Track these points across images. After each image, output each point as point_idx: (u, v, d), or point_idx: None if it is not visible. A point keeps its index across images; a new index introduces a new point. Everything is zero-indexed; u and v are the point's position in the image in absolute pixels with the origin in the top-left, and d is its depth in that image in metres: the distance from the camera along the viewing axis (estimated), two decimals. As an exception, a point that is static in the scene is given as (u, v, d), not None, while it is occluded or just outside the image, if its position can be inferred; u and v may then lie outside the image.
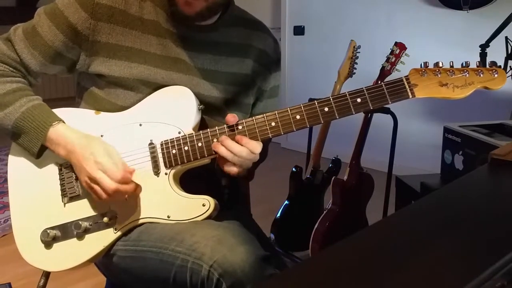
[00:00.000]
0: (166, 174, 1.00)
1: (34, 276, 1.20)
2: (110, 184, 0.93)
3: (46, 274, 1.19)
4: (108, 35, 1.02)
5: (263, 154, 1.02)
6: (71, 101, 1.13)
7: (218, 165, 1.02)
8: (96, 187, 0.95)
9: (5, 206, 2.81)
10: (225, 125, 0.98)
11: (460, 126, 1.88)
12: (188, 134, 1.00)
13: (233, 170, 0.97)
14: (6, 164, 1.08)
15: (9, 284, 1.93)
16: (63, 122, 1.01)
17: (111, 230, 1.00)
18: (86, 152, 0.96)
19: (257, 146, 0.96)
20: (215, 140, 0.97)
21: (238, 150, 0.94)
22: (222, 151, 0.95)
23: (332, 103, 0.95)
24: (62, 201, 1.03)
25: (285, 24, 4.09)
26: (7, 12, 4.90)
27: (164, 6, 1.04)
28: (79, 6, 1.00)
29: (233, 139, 0.96)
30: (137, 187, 0.99)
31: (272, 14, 4.30)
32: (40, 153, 1.02)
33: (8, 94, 1.00)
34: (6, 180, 1.07)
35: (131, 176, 0.97)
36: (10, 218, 1.07)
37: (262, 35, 1.17)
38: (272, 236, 2.08)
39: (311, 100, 1.00)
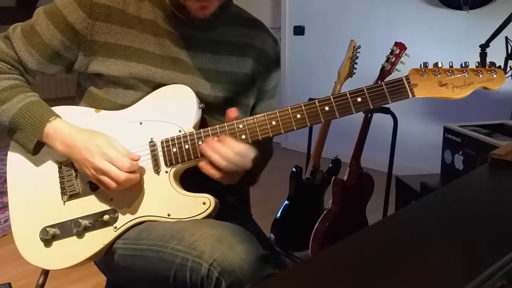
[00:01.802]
0: (166, 172, 1.00)
1: (34, 276, 1.20)
2: (120, 174, 0.93)
3: (45, 272, 1.19)
4: (106, 35, 1.02)
5: (268, 154, 1.01)
6: (71, 101, 1.13)
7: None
8: (104, 178, 0.94)
9: (5, 206, 2.81)
10: (225, 124, 0.98)
11: (460, 126, 1.88)
12: (188, 133, 1.00)
13: (214, 173, 0.96)
14: (6, 164, 1.08)
15: (9, 284, 1.93)
16: (60, 117, 1.01)
17: (111, 228, 1.00)
18: (90, 144, 0.96)
19: (239, 146, 0.95)
20: (215, 138, 0.97)
21: (223, 151, 0.94)
22: (208, 153, 0.94)
23: (333, 102, 0.95)
24: (62, 199, 1.03)
25: (285, 24, 4.09)
26: (7, 12, 4.89)
27: (162, 6, 1.04)
28: (77, 6, 1.00)
29: (234, 137, 0.96)
30: (140, 181, 0.99)
31: (272, 14, 4.30)
32: (36, 149, 1.02)
33: (5, 90, 1.01)
34: (6, 180, 1.07)
35: (137, 163, 0.98)
36: (10, 217, 1.07)
37: (262, 34, 1.17)
38: (272, 236, 2.08)
39: (311, 100, 1.00)
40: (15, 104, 1.00)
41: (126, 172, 0.94)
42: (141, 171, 0.99)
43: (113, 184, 0.94)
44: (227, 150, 0.94)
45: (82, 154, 0.96)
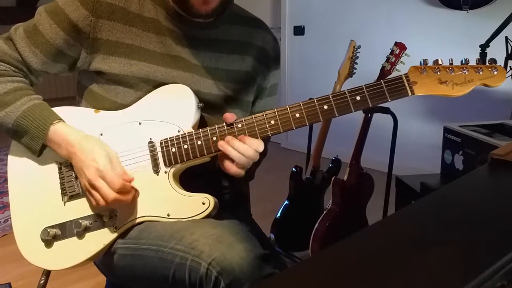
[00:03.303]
0: (166, 172, 1.00)
1: (34, 276, 1.20)
2: (110, 193, 0.94)
3: (47, 273, 1.19)
4: (108, 32, 1.02)
5: (263, 152, 1.02)
6: (72, 101, 1.13)
7: (220, 166, 1.02)
8: (95, 193, 0.95)
9: (5, 206, 2.81)
10: (224, 124, 0.98)
11: (460, 126, 1.88)
12: (187, 133, 1.00)
13: (234, 170, 0.97)
14: (6, 164, 1.08)
15: (9, 284, 1.93)
16: (63, 121, 1.01)
17: (111, 228, 1.00)
18: (87, 158, 0.95)
19: (260, 145, 0.96)
20: (214, 138, 0.98)
21: (244, 149, 0.95)
22: (229, 151, 0.95)
23: (332, 101, 0.95)
24: (62, 200, 1.03)
25: (285, 24, 4.09)
26: (7, 12, 4.89)
27: (164, 4, 1.04)
28: (79, 4, 1.01)
29: (234, 137, 0.96)
30: (136, 192, 0.99)
31: (272, 14, 4.30)
32: (41, 151, 1.02)
33: (9, 93, 1.00)
34: (6, 180, 1.07)
35: (130, 185, 0.97)
36: (10, 218, 1.07)
37: (262, 33, 1.17)
38: (272, 236, 2.08)
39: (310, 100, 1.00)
40: (18, 106, 1.00)
41: (117, 192, 0.94)
42: (138, 178, 0.99)
43: (101, 201, 0.95)
44: (246, 147, 0.95)
45: (80, 165, 0.97)
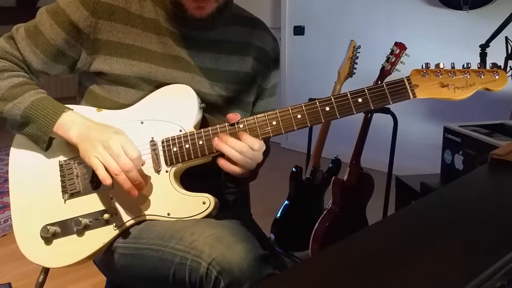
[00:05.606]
0: (167, 171, 1.00)
1: (34, 276, 1.20)
2: (129, 162, 0.92)
3: (46, 271, 1.19)
4: (109, 33, 1.02)
5: (265, 152, 1.02)
6: (72, 101, 1.13)
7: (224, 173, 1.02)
8: (112, 162, 0.92)
9: (5, 206, 2.81)
10: (226, 123, 0.98)
11: (460, 126, 1.88)
12: (189, 132, 1.00)
13: (235, 169, 0.96)
14: (6, 164, 1.08)
15: (9, 284, 1.93)
16: (72, 110, 1.02)
17: (111, 227, 1.01)
18: (110, 130, 0.96)
19: (255, 142, 0.96)
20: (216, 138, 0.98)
21: (239, 146, 0.94)
22: (225, 149, 0.95)
23: (333, 102, 0.95)
24: (63, 198, 1.03)
25: (285, 24, 4.09)
26: (7, 12, 4.90)
27: (163, 5, 1.05)
28: (80, 4, 1.01)
29: (234, 137, 0.96)
30: (140, 183, 0.98)
31: (272, 14, 4.30)
32: (49, 143, 1.01)
33: (15, 87, 1.01)
34: (6, 180, 1.08)
35: (143, 161, 0.98)
36: (10, 218, 1.08)
37: (261, 33, 1.18)
38: (272, 236, 2.08)
39: (311, 100, 1.00)
40: (27, 98, 1.00)
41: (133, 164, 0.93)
42: (145, 176, 0.99)
43: (117, 169, 0.92)
44: (242, 144, 0.95)
45: (96, 137, 0.95)
